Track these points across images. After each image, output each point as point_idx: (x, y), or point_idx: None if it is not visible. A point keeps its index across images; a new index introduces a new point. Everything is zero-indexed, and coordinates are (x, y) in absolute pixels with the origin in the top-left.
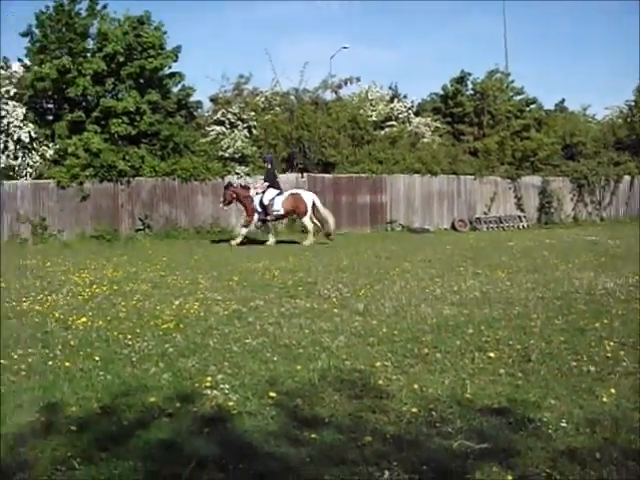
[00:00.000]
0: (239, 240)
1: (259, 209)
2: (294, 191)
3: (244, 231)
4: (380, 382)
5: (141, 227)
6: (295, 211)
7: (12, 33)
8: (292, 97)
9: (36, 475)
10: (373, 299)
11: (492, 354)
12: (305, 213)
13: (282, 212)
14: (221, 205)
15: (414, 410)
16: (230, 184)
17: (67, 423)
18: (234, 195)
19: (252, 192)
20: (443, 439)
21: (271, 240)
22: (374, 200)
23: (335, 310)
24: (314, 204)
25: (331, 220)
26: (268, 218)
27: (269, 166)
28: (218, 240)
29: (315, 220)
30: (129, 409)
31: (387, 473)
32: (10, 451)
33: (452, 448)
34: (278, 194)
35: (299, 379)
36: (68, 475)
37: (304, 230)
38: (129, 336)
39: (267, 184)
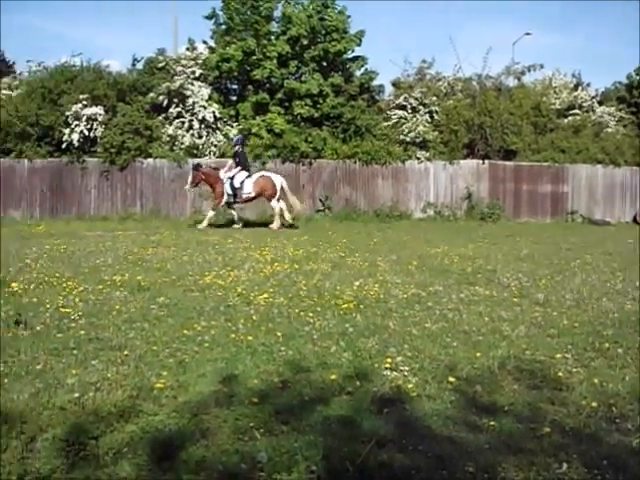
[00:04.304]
0: (205, 223)
1: (229, 192)
2: (264, 173)
3: (211, 214)
4: (560, 374)
5: (321, 208)
6: (262, 193)
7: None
8: (474, 83)
9: (219, 443)
10: (553, 290)
11: None
12: (273, 195)
13: (253, 194)
14: (187, 187)
15: (594, 404)
16: (199, 165)
17: (249, 395)
18: (203, 177)
19: (222, 174)
20: (623, 435)
21: (238, 224)
22: (555, 190)
23: (515, 299)
24: (282, 188)
25: (298, 207)
26: (238, 200)
27: (240, 149)
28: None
29: (283, 204)
30: (309, 385)
31: (565, 465)
32: (193, 418)
33: (632, 445)
34: (247, 177)
35: (478, 366)
36: (250, 445)
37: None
38: (310, 314)
39: (238, 167)
